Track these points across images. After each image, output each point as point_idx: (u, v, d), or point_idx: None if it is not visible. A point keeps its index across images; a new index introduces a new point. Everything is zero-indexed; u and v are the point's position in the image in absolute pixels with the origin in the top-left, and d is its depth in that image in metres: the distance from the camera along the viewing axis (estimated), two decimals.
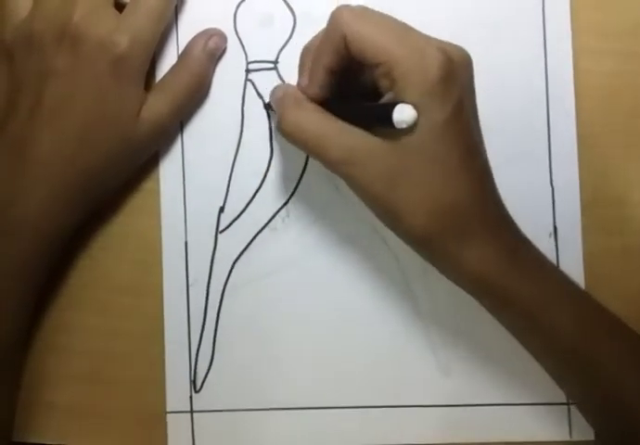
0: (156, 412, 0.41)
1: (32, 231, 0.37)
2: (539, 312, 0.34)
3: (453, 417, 0.41)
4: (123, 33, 0.37)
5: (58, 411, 0.42)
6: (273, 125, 0.41)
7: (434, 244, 0.34)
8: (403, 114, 0.31)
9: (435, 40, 0.33)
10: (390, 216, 0.34)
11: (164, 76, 0.40)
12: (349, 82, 0.36)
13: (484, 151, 0.35)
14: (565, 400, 0.40)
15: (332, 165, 0.34)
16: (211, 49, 0.40)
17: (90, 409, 0.42)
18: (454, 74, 0.32)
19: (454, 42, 0.34)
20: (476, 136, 0.34)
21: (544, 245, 0.40)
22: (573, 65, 0.41)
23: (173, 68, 0.40)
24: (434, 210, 0.33)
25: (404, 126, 0.31)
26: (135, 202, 0.42)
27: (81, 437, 0.42)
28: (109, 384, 0.42)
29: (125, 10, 0.38)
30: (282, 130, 0.35)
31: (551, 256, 0.40)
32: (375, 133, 0.33)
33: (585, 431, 0.40)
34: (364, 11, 0.34)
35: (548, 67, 0.41)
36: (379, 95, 0.34)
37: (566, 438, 0.40)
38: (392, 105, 0.31)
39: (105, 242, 0.42)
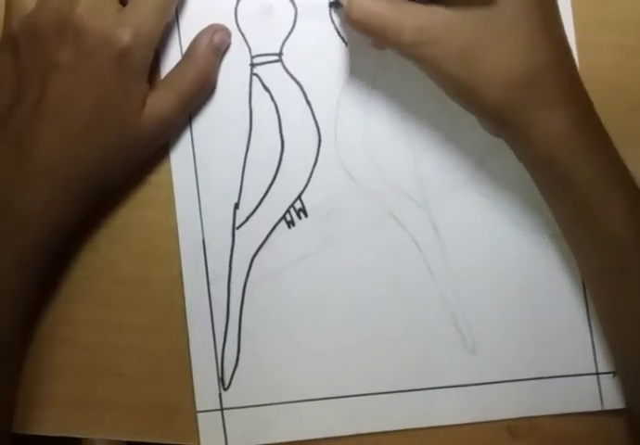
0: (160, 404, 0.41)
1: (33, 225, 0.37)
2: (595, 198, 0.34)
3: (482, 395, 0.41)
4: (126, 27, 0.37)
5: (61, 403, 0.42)
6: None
7: (508, 115, 0.34)
8: None
9: None
10: (466, 93, 0.34)
11: (170, 72, 0.40)
12: None
13: (562, 24, 0.35)
14: (594, 370, 0.40)
15: (405, 48, 0.34)
16: (216, 44, 0.40)
17: (93, 401, 0.42)
18: None
19: None
20: (555, 7, 0.35)
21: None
22: (577, 59, 0.41)
23: (179, 64, 0.40)
24: (512, 81, 0.33)
25: None
26: (143, 195, 0.42)
27: (82, 428, 0.42)
28: (113, 376, 0.42)
29: (128, 4, 0.38)
30: (350, 18, 0.35)
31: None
32: (446, 7, 0.33)
33: (616, 400, 0.40)
34: None
35: None
36: None
37: (597, 408, 0.40)
38: None
39: (112, 234, 0.42)
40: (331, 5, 0.41)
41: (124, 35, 0.37)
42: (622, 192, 0.35)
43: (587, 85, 0.36)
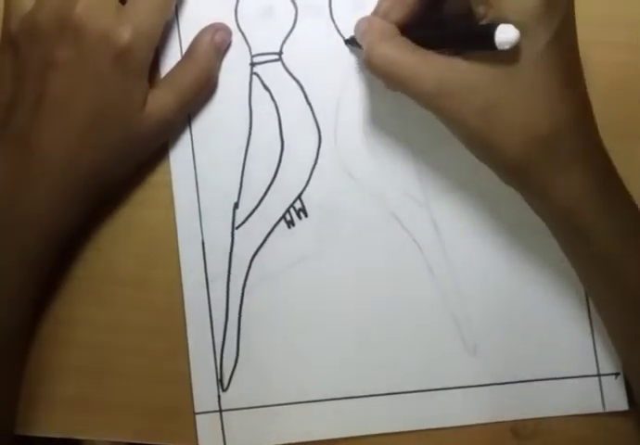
0: (160, 405, 0.41)
1: (35, 225, 0.37)
2: (615, 254, 0.34)
3: (483, 397, 0.41)
4: (126, 26, 0.37)
5: (63, 404, 0.42)
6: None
7: (526, 174, 0.34)
8: (507, 34, 0.30)
9: None
10: (485, 147, 0.34)
11: (171, 71, 0.40)
12: (431, 10, 0.36)
13: (584, 80, 0.35)
14: (596, 372, 0.40)
15: (424, 98, 0.34)
16: (217, 43, 0.40)
17: (95, 402, 0.41)
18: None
19: None
20: (577, 63, 0.34)
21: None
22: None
23: (180, 62, 0.40)
24: (531, 140, 0.33)
25: (507, 47, 0.31)
26: (143, 195, 0.42)
27: (81, 430, 0.42)
28: (113, 377, 0.41)
29: (128, 2, 0.38)
30: (371, 64, 0.35)
31: None
32: (467, 61, 0.33)
33: (618, 402, 0.40)
34: None
35: None
36: (466, 24, 0.34)
37: (599, 409, 0.40)
38: (493, 25, 0.31)
39: (112, 235, 0.42)
40: (347, 42, 0.41)
41: (124, 34, 0.37)
42: None
43: (592, 83, 0.36)
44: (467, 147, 0.35)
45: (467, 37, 0.33)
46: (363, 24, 0.37)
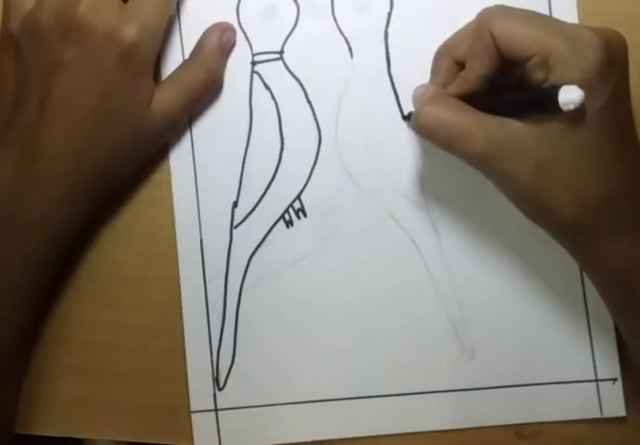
0: (158, 404, 0.41)
1: (39, 226, 0.37)
2: None
3: (480, 400, 0.40)
4: (130, 24, 0.37)
5: (63, 403, 0.42)
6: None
7: (578, 236, 0.33)
8: (571, 94, 0.30)
9: (587, 26, 0.32)
10: (538, 208, 0.33)
11: (177, 70, 0.40)
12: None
13: (637, 135, 0.34)
14: (594, 377, 0.40)
15: (474, 159, 0.33)
16: (224, 44, 0.40)
17: (95, 401, 0.42)
18: (613, 58, 0.31)
19: None
20: (631, 123, 0.34)
21: None
22: None
23: (187, 62, 0.40)
24: (587, 202, 0.32)
25: (571, 108, 0.30)
26: (144, 193, 0.42)
27: (85, 429, 0.42)
28: (115, 376, 0.42)
29: (130, 0, 0.38)
30: (419, 124, 0.34)
31: None
32: (519, 120, 0.32)
33: (616, 408, 0.40)
34: (507, 9, 0.33)
35: None
36: (526, 89, 0.33)
37: (597, 415, 0.40)
38: (556, 87, 0.30)
39: (113, 234, 0.42)
40: (404, 118, 0.40)
41: (129, 32, 0.36)
42: None
43: None
44: (518, 208, 0.35)
45: (529, 101, 0.32)
46: (418, 89, 0.37)
